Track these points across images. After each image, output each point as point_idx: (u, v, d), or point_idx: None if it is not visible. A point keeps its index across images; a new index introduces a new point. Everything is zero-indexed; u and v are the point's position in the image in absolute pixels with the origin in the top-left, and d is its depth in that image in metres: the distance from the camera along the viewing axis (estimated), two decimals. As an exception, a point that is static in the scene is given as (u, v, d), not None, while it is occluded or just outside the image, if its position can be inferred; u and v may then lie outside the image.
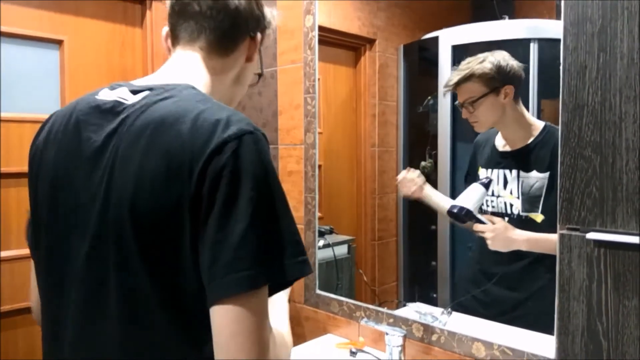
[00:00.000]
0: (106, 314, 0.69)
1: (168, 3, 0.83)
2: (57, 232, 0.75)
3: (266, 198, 0.64)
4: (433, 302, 1.56)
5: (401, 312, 1.56)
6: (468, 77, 1.41)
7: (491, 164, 1.47)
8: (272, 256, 0.64)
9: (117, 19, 2.06)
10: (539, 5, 1.45)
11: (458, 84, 1.44)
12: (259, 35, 0.86)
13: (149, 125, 0.67)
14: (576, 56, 0.81)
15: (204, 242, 0.62)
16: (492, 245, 1.36)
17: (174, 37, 0.83)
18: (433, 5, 1.73)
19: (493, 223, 1.37)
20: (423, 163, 1.66)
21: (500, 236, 1.35)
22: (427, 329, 1.45)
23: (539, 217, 1.35)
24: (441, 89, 1.59)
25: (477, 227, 1.38)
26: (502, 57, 1.40)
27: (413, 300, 1.62)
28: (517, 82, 1.40)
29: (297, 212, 1.89)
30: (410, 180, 1.60)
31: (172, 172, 0.63)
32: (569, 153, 0.83)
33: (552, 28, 1.19)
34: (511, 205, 1.40)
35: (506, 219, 1.41)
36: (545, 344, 1.22)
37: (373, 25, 1.85)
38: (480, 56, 1.42)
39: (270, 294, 0.66)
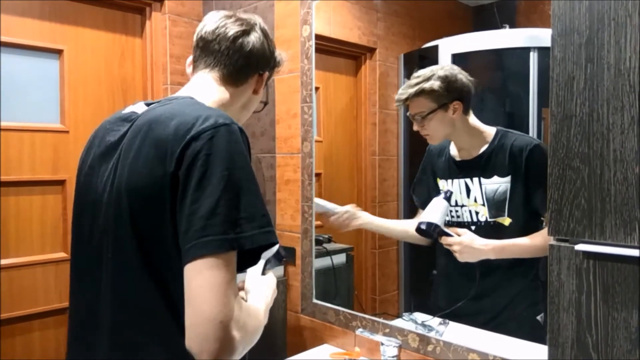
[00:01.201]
0: (102, 286, 0.82)
1: (194, 39, 1.00)
2: (80, 222, 0.89)
3: (236, 178, 0.74)
4: (434, 312, 1.55)
5: (397, 322, 1.55)
6: (417, 94, 1.44)
7: (451, 175, 1.49)
8: (239, 225, 0.72)
9: (117, 29, 2.08)
10: (540, 15, 1.45)
11: (407, 99, 1.47)
12: (267, 73, 1.02)
13: (146, 123, 0.80)
14: (564, 67, 0.81)
15: (181, 214, 0.72)
16: (461, 258, 1.38)
17: (195, 67, 1.00)
18: (433, 14, 1.73)
19: (459, 235, 1.38)
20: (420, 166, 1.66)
21: (468, 248, 1.37)
22: (423, 339, 1.44)
23: (506, 220, 1.37)
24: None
25: (445, 240, 1.39)
26: (451, 72, 1.43)
27: (414, 309, 1.61)
28: (466, 96, 1.43)
29: (294, 221, 1.89)
30: (340, 216, 1.62)
31: (159, 157, 0.75)
32: (558, 164, 0.82)
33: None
34: (477, 213, 1.42)
35: (473, 227, 1.42)
36: (541, 354, 1.21)
37: (373, 34, 1.85)
38: (430, 71, 1.44)
39: (244, 265, 0.77)
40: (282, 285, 1.92)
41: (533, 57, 1.40)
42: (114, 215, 0.80)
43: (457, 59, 1.56)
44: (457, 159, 1.49)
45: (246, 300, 0.93)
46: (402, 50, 1.81)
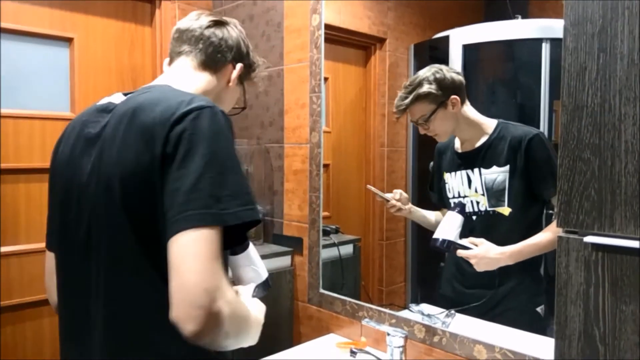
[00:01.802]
0: (92, 279, 0.83)
1: (171, 34, 1.04)
2: (65, 213, 0.89)
3: (219, 156, 0.75)
4: (440, 304, 1.55)
5: (404, 313, 1.55)
6: (414, 100, 1.47)
7: (453, 167, 1.52)
8: (222, 202, 0.73)
9: (127, 17, 2.08)
10: (553, 5, 1.43)
11: (406, 109, 1.49)
12: (239, 65, 1.04)
13: (129, 111, 0.81)
14: (576, 57, 0.80)
15: (166, 192, 0.73)
16: (479, 268, 1.39)
17: (171, 59, 1.03)
18: (444, 4, 1.72)
19: (476, 245, 1.39)
20: (432, 163, 1.66)
21: (485, 259, 1.38)
22: (429, 330, 1.44)
23: (506, 210, 1.39)
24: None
25: (461, 253, 1.41)
26: (438, 72, 1.46)
27: (421, 300, 1.61)
28: (460, 90, 1.45)
29: (302, 211, 1.90)
30: (396, 203, 1.63)
31: (145, 141, 0.76)
32: (568, 155, 0.81)
33: (564, 28, 1.18)
34: (477, 203, 1.44)
35: (474, 217, 1.44)
36: (546, 347, 1.21)
37: (383, 24, 1.84)
38: (417, 77, 1.48)
39: (231, 244, 0.77)
40: (289, 274, 1.93)
41: (545, 49, 1.39)
42: (105, 204, 0.79)
43: (468, 50, 1.55)
44: (460, 151, 1.51)
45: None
46: (413, 40, 1.80)
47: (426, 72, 1.48)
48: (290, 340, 1.92)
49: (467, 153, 1.48)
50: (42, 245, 0.91)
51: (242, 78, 1.07)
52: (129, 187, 0.76)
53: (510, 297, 1.41)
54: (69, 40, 1.93)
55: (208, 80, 1.00)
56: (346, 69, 1.94)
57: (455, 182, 1.50)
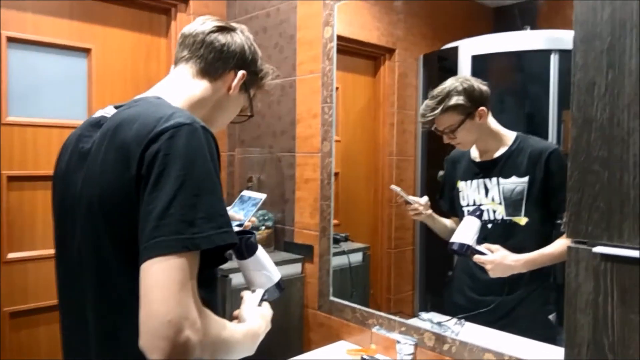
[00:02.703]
0: (86, 294, 0.82)
1: (178, 37, 1.01)
2: (63, 227, 0.89)
3: (193, 178, 0.72)
4: (449, 312, 1.56)
5: (413, 321, 1.57)
6: (443, 112, 1.47)
7: (470, 176, 1.53)
8: (195, 225, 0.70)
9: (143, 29, 2.12)
10: (561, 17, 1.45)
11: (433, 119, 1.50)
12: (240, 72, 0.98)
13: (111, 128, 0.79)
14: (585, 72, 0.82)
15: (140, 215, 0.72)
16: (493, 274, 1.40)
17: (175, 62, 1.00)
18: (453, 15, 1.74)
19: (491, 252, 1.40)
20: (441, 172, 1.67)
21: (500, 265, 1.39)
22: (439, 339, 1.46)
23: (522, 220, 1.41)
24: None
25: (478, 258, 1.41)
26: (468, 83, 1.46)
27: (428, 309, 1.62)
28: (487, 101, 1.46)
29: (313, 219, 1.92)
30: (419, 207, 1.64)
31: (122, 161, 0.74)
32: (577, 168, 0.83)
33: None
34: (494, 212, 1.45)
35: (490, 225, 1.45)
36: (556, 356, 1.22)
37: (392, 35, 1.86)
38: (447, 87, 1.47)
39: (211, 264, 0.77)
40: (300, 282, 1.95)
41: (554, 60, 1.40)
42: (89, 223, 0.79)
43: (477, 60, 1.57)
44: (478, 160, 1.53)
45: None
46: (422, 51, 1.82)
47: (454, 82, 1.48)
48: (300, 347, 1.94)
49: (486, 162, 1.50)
50: None
51: (248, 85, 1.02)
52: (108, 207, 0.75)
53: (523, 304, 1.42)
54: (86, 51, 1.98)
55: (205, 88, 0.96)
56: (356, 79, 1.97)
57: (470, 190, 1.52)
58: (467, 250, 1.41)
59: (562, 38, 1.42)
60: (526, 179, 1.40)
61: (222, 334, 0.78)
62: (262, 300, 1.01)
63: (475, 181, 1.51)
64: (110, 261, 0.77)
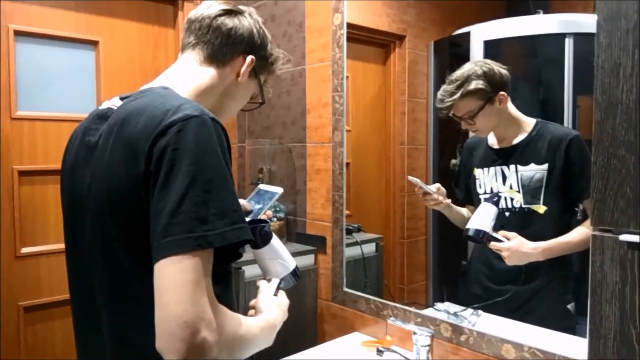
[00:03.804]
0: (96, 291, 0.81)
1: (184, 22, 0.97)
2: (72, 222, 0.88)
3: (204, 172, 0.70)
4: (465, 302, 1.55)
5: (429, 311, 1.55)
6: (462, 97, 1.44)
7: (487, 163, 1.50)
8: (207, 222, 0.69)
9: (150, 20, 2.10)
10: (575, 0, 1.41)
11: (452, 104, 1.46)
12: (249, 58, 0.95)
13: (117, 122, 0.77)
14: (610, 53, 0.79)
15: (151, 212, 0.70)
16: (509, 262, 1.38)
17: (181, 49, 0.97)
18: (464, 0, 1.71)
19: (508, 239, 1.38)
20: (453, 161, 1.65)
21: (517, 253, 1.37)
22: (456, 330, 1.44)
23: (541, 208, 1.38)
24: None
25: (494, 245, 1.39)
26: (488, 67, 1.43)
27: (442, 299, 1.61)
28: (507, 86, 1.43)
29: (325, 210, 1.90)
30: (438, 197, 1.60)
31: (130, 157, 0.72)
32: (602, 153, 0.80)
33: (589, 22, 1.16)
34: (512, 200, 1.43)
35: (507, 214, 1.43)
36: (576, 346, 1.19)
37: (403, 22, 1.83)
38: (466, 71, 1.44)
39: (226, 260, 0.75)
40: (313, 273, 1.94)
41: (568, 43, 1.37)
42: (99, 221, 0.77)
43: (490, 46, 1.54)
44: (496, 147, 1.50)
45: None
46: (433, 37, 1.79)
47: (473, 66, 1.45)
48: (314, 338, 1.93)
49: (504, 149, 1.47)
50: None
51: (258, 71, 0.98)
52: (117, 204, 0.74)
53: (541, 294, 1.40)
54: (94, 44, 1.97)
55: (213, 76, 0.92)
56: (365, 67, 1.94)
57: (487, 178, 1.49)
58: (483, 237, 1.38)
59: (576, 21, 1.39)
60: (545, 166, 1.37)
61: (239, 331, 0.76)
62: (278, 289, 1.00)
63: (492, 168, 1.48)
64: (121, 258, 0.76)
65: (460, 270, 1.67)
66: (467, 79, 1.43)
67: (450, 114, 1.48)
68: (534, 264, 1.37)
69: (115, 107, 0.84)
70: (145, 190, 0.71)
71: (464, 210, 1.62)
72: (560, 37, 1.39)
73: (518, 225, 1.40)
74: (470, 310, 1.45)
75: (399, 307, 1.62)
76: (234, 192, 0.74)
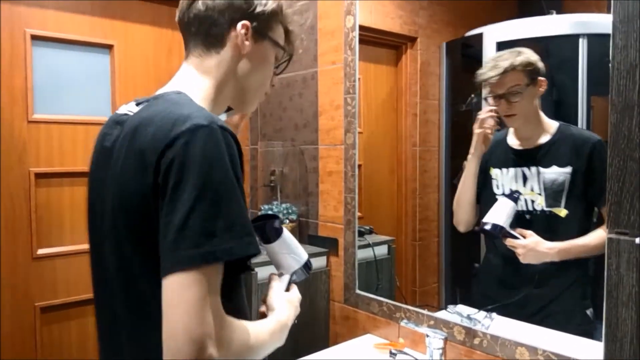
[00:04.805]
0: (116, 299, 0.80)
1: None
2: (94, 231, 0.87)
3: (212, 185, 0.68)
4: (476, 305, 1.54)
5: (442, 314, 1.54)
6: (513, 67, 1.39)
7: (506, 163, 1.47)
8: (215, 236, 0.68)
9: (164, 23, 2.13)
10: (588, 0, 1.40)
11: (505, 72, 1.40)
12: (240, 24, 0.85)
13: (131, 130, 0.76)
14: (626, 54, 0.78)
15: (160, 225, 0.69)
16: (524, 260, 1.36)
17: (185, 51, 0.91)
18: (476, 1, 1.70)
19: (524, 237, 1.37)
20: (466, 162, 1.64)
21: (532, 251, 1.35)
22: (469, 332, 1.43)
23: (562, 211, 1.36)
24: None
25: (510, 242, 1.38)
26: (530, 51, 1.40)
27: (455, 302, 1.60)
28: (545, 75, 1.40)
29: (337, 212, 1.90)
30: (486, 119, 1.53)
31: (140, 168, 0.71)
32: (618, 155, 0.80)
33: (603, 23, 1.15)
34: (532, 202, 1.40)
35: (528, 216, 1.40)
36: (592, 350, 1.18)
37: (415, 23, 1.83)
38: (513, 50, 1.41)
39: (231, 274, 0.73)
40: (325, 275, 1.94)
41: (582, 44, 1.36)
42: (114, 229, 0.77)
43: (503, 47, 1.53)
44: (517, 147, 1.47)
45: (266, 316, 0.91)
46: (444, 38, 1.79)
47: (511, 51, 1.42)
48: (326, 340, 1.93)
49: (526, 150, 1.45)
50: (86, 246, 0.91)
51: (261, 32, 0.87)
52: (129, 214, 0.74)
53: (559, 299, 1.39)
54: (109, 47, 1.99)
55: (218, 63, 0.86)
56: (377, 69, 1.94)
57: (506, 179, 1.47)
58: (499, 232, 1.37)
59: (590, 22, 1.38)
60: (569, 169, 1.35)
61: (248, 342, 0.76)
62: (290, 283, 1.00)
63: (512, 169, 1.46)
64: (134, 268, 0.76)
65: (472, 272, 1.66)
66: (518, 53, 1.40)
67: (485, 96, 1.44)
68: (551, 269, 1.36)
69: (131, 113, 0.83)
70: (154, 202, 0.70)
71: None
72: (574, 38, 1.38)
73: (539, 229, 1.38)
74: (483, 313, 1.44)
75: (411, 310, 1.61)
76: (242, 205, 0.73)
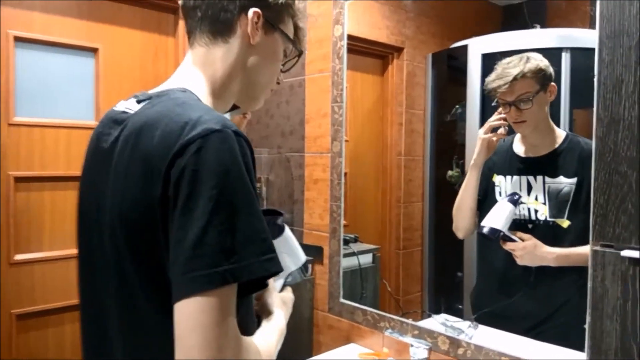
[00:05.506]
0: (110, 313, 0.74)
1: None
2: (85, 235, 0.81)
3: (229, 195, 0.63)
4: (459, 314, 1.54)
5: (426, 323, 1.55)
6: (523, 75, 1.37)
7: (511, 171, 1.46)
8: (234, 253, 0.62)
9: (151, 28, 2.10)
10: (572, 15, 1.43)
11: (514, 80, 1.38)
12: (251, 11, 0.79)
13: (133, 132, 0.70)
14: (612, 69, 0.80)
15: (170, 240, 0.63)
16: (521, 261, 1.36)
17: (188, 41, 0.84)
18: (462, 13, 1.72)
19: (522, 240, 1.37)
20: (450, 172, 1.65)
21: (530, 254, 1.36)
22: (453, 342, 1.43)
23: (565, 222, 1.35)
24: (470, 97, 1.58)
25: (507, 245, 1.38)
26: (539, 56, 1.39)
27: (438, 311, 1.60)
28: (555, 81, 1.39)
29: (323, 220, 1.90)
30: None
31: (146, 175, 0.65)
32: (604, 168, 0.81)
33: (586, 37, 1.17)
34: (536, 212, 1.40)
35: (530, 225, 1.40)
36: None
37: (401, 34, 1.85)
38: (517, 56, 1.40)
39: (245, 293, 0.67)
40: (309, 283, 1.93)
41: (565, 58, 1.38)
42: (112, 242, 0.71)
43: (487, 59, 1.55)
44: (523, 155, 1.46)
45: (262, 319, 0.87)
46: (430, 49, 1.81)
47: (520, 56, 1.39)
48: (310, 349, 1.92)
49: (532, 159, 1.44)
50: (66, 252, 0.85)
51: (272, 22, 0.82)
52: (130, 227, 0.68)
53: (559, 313, 1.38)
54: (94, 51, 1.96)
55: (224, 53, 0.80)
56: (364, 78, 1.95)
57: (510, 186, 1.46)
58: (498, 235, 1.37)
59: (573, 36, 1.40)
60: (574, 180, 1.34)
61: (261, 354, 0.73)
62: (284, 285, 0.97)
63: (517, 177, 1.44)
64: (134, 287, 0.69)
65: (455, 281, 1.67)
66: (527, 59, 1.37)
67: (495, 102, 1.42)
68: (551, 283, 1.35)
69: (131, 111, 0.76)
70: (162, 215, 0.64)
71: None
72: (557, 51, 1.40)
73: (540, 238, 1.37)
74: (467, 323, 1.44)
75: (395, 319, 1.61)
76: (261, 217, 0.67)
